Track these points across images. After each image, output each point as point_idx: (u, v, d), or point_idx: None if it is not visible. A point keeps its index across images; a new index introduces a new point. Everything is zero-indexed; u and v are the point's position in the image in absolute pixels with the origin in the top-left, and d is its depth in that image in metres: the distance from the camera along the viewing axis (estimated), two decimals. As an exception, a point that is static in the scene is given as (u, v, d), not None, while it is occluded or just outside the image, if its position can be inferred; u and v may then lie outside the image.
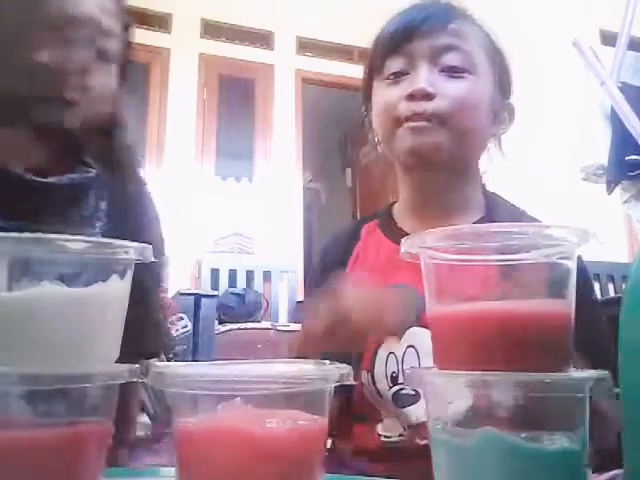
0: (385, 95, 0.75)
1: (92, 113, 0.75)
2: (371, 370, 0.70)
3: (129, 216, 0.81)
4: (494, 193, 0.83)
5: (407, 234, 0.76)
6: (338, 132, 5.10)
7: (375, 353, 0.71)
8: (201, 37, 4.31)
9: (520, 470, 0.33)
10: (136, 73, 4.14)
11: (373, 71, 0.78)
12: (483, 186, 0.82)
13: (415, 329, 0.69)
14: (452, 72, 0.71)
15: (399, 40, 0.74)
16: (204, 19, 4.32)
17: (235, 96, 4.36)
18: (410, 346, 0.69)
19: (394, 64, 0.74)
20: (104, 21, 0.73)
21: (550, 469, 0.33)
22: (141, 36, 4.15)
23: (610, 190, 1.92)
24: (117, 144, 0.83)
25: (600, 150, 1.98)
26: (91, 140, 0.79)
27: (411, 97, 0.71)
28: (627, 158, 1.87)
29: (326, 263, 0.82)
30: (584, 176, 2.12)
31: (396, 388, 0.69)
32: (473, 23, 0.77)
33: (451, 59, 0.72)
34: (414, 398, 0.68)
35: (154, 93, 4.13)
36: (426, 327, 0.67)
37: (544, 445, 0.33)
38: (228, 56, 4.31)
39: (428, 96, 0.70)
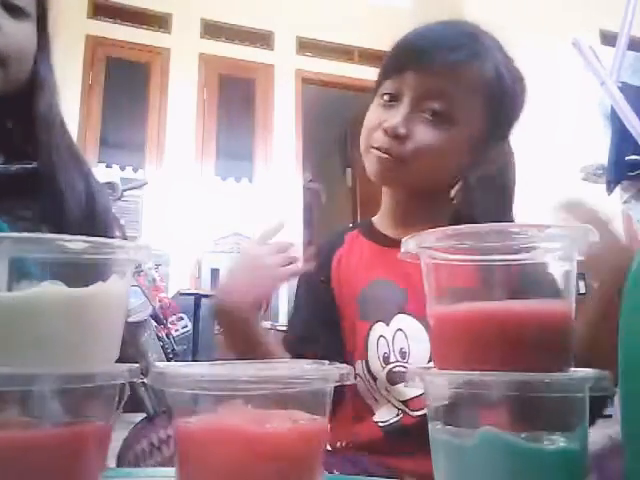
0: (371, 114, 0.77)
1: (7, 75, 0.67)
2: (365, 357, 0.73)
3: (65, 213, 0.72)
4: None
5: (388, 237, 0.79)
6: (338, 132, 5.10)
7: (366, 341, 0.73)
8: (201, 37, 4.32)
9: (520, 470, 0.33)
10: (136, 73, 4.15)
11: (378, 82, 0.78)
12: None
13: (401, 315, 0.73)
14: (433, 118, 0.71)
15: (395, 64, 0.74)
16: (204, 19, 4.33)
17: (235, 96, 4.36)
18: (399, 329, 0.73)
19: (388, 86, 0.75)
20: None
21: (550, 469, 0.33)
22: (141, 36, 4.18)
23: (610, 190, 1.92)
24: (41, 112, 0.73)
25: (600, 150, 1.98)
26: (12, 111, 0.70)
27: (385, 131, 0.72)
28: (627, 158, 1.87)
29: (308, 290, 0.84)
30: (584, 176, 2.12)
31: (389, 367, 0.71)
32: (483, 60, 0.73)
33: (435, 105, 0.71)
34: (405, 375, 0.69)
35: (154, 93, 4.13)
36: (411, 315, 0.73)
37: (544, 445, 0.33)
38: (228, 56, 4.32)
39: (398, 137, 0.71)
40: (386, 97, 0.75)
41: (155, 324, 2.43)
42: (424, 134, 0.71)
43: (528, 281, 0.38)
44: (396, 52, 0.75)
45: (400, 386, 0.71)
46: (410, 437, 0.67)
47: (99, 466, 0.32)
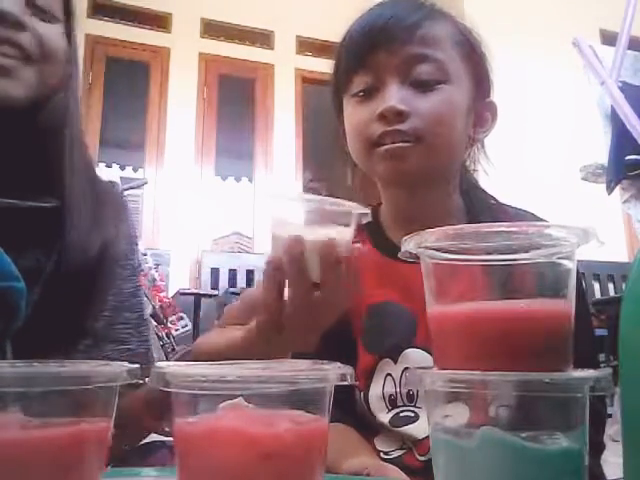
0: (355, 115, 0.70)
1: (40, 79, 0.65)
2: (365, 391, 0.68)
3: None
4: (475, 187, 0.79)
5: (395, 245, 0.72)
6: (338, 132, 5.09)
7: (371, 375, 0.68)
8: (201, 36, 4.32)
9: (520, 470, 0.33)
10: (136, 72, 4.15)
11: (340, 86, 0.73)
12: (462, 186, 0.78)
13: (410, 351, 0.67)
14: (425, 86, 0.66)
15: (363, 53, 0.68)
16: (204, 19, 4.33)
17: (235, 96, 4.36)
18: (407, 368, 0.66)
19: (361, 80, 0.69)
20: None
21: (550, 469, 0.33)
22: (141, 35, 4.18)
23: (610, 190, 1.92)
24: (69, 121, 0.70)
25: (599, 150, 1.98)
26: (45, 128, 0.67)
27: (382, 117, 0.65)
28: (627, 158, 1.87)
29: None
30: (583, 176, 2.12)
31: (395, 411, 0.67)
32: (445, 20, 0.70)
33: (422, 72, 0.66)
34: (413, 419, 0.66)
35: (154, 93, 4.13)
36: (421, 348, 0.66)
37: (544, 445, 0.33)
38: (228, 56, 4.32)
39: (401, 115, 0.65)
40: (362, 93, 0.69)
41: (155, 323, 2.44)
42: (426, 103, 0.65)
43: (528, 281, 0.38)
44: (355, 45, 0.69)
45: (404, 429, 0.66)
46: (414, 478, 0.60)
47: (99, 466, 0.32)
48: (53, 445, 0.29)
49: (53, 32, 0.67)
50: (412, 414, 0.66)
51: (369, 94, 0.68)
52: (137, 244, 0.82)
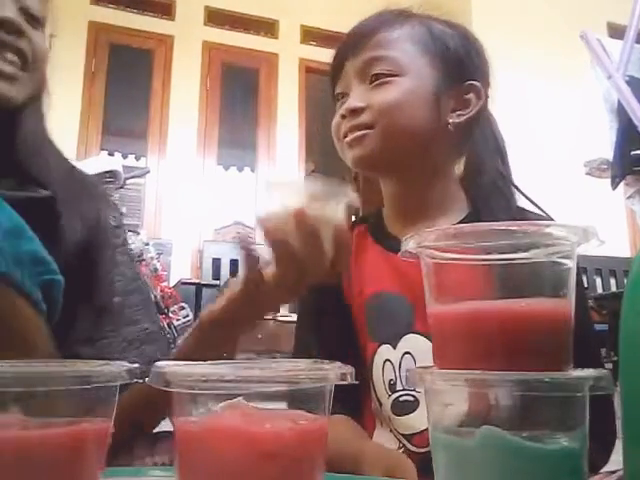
0: (335, 118, 0.79)
1: (33, 83, 0.69)
2: (370, 379, 0.70)
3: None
4: (494, 189, 0.79)
5: (395, 238, 0.76)
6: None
7: (371, 362, 0.71)
8: (205, 24, 4.29)
9: (520, 470, 0.33)
10: (139, 60, 4.13)
11: (332, 94, 0.83)
12: (476, 185, 0.80)
13: (409, 336, 0.70)
14: (379, 80, 0.74)
15: (337, 66, 0.79)
16: (208, 6, 4.30)
17: (238, 85, 4.34)
18: (406, 353, 0.69)
19: (339, 87, 0.79)
20: None
21: (550, 469, 0.33)
22: (144, 23, 4.16)
23: (615, 185, 1.91)
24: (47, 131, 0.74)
25: (604, 145, 1.97)
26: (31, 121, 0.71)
27: (344, 117, 0.75)
28: (633, 153, 1.85)
29: (315, 296, 0.79)
30: (588, 170, 2.11)
31: (395, 395, 0.68)
32: (406, 23, 0.77)
33: (377, 70, 0.74)
34: (413, 405, 0.67)
35: (157, 81, 4.12)
36: (420, 333, 0.69)
37: (544, 445, 0.33)
38: (232, 44, 4.29)
39: (357, 112, 0.74)
40: (340, 97, 0.78)
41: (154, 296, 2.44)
42: (379, 96, 0.73)
43: (528, 280, 0.38)
44: (334, 59, 0.80)
45: (404, 418, 0.67)
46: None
47: (99, 466, 0.32)
48: (53, 445, 0.29)
49: (41, 38, 0.71)
50: (412, 398, 0.67)
51: (342, 102, 0.78)
52: (125, 231, 0.85)
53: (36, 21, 0.70)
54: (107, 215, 0.76)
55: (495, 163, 0.80)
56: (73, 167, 0.78)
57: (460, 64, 0.77)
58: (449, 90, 0.75)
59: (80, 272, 0.66)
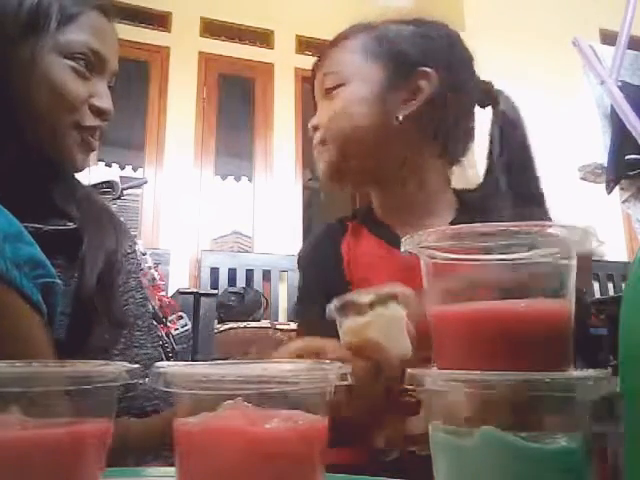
0: None
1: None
2: None
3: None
4: (469, 190, 0.83)
5: (390, 230, 0.78)
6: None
7: None
8: (201, 36, 4.31)
9: (520, 470, 0.33)
10: (136, 71, 4.14)
11: None
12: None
13: None
14: (329, 94, 0.79)
15: (311, 82, 0.85)
16: (204, 18, 4.32)
17: (235, 95, 4.36)
18: None
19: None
20: (116, 66, 0.80)
21: (550, 469, 0.33)
22: (141, 34, 4.17)
23: (610, 189, 1.92)
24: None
25: (598, 149, 1.98)
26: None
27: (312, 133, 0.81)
28: (627, 157, 1.87)
29: (318, 271, 0.82)
30: (582, 175, 2.12)
31: None
32: (361, 35, 0.81)
33: (326, 84, 0.79)
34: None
35: (154, 92, 4.13)
36: None
37: (544, 445, 0.33)
38: (228, 55, 4.31)
39: (315, 129, 0.80)
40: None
41: (155, 323, 2.43)
42: (327, 108, 0.79)
43: (528, 281, 0.38)
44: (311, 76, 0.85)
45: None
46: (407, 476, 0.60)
47: (99, 466, 0.32)
48: (53, 445, 0.29)
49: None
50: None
51: None
52: (138, 259, 0.89)
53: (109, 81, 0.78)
54: (124, 243, 0.80)
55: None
56: (91, 196, 0.84)
57: (409, 58, 0.78)
58: (398, 84, 0.77)
59: (97, 293, 0.70)
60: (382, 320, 0.52)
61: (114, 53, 0.80)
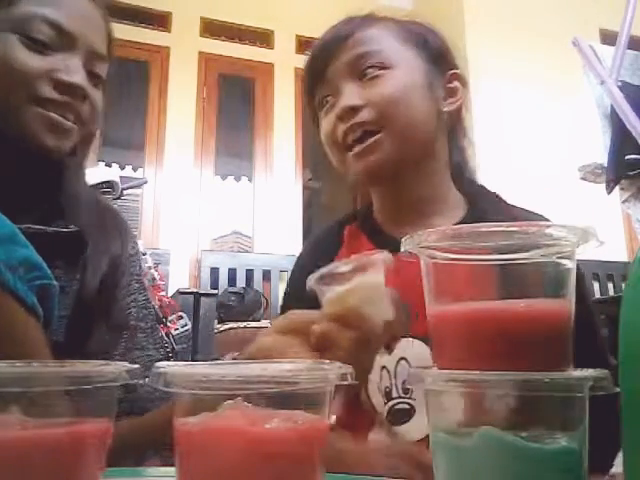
0: (324, 126, 0.76)
1: (81, 135, 0.74)
2: (366, 386, 0.69)
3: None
4: (480, 186, 0.81)
5: (391, 238, 0.74)
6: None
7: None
8: (201, 36, 4.31)
9: (520, 470, 0.33)
10: (136, 71, 4.14)
11: (309, 104, 0.81)
12: (466, 182, 0.80)
13: (405, 341, 0.68)
14: (371, 75, 0.72)
15: (316, 73, 0.76)
16: (204, 18, 4.32)
17: (235, 95, 4.36)
18: (402, 358, 0.67)
19: (321, 94, 0.76)
20: (97, 46, 0.74)
21: (550, 469, 0.33)
22: (141, 35, 4.17)
23: (610, 189, 1.92)
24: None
25: (598, 149, 1.98)
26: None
27: (341, 118, 0.72)
28: (627, 157, 1.87)
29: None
30: (582, 175, 2.12)
31: (391, 403, 0.67)
32: (381, 22, 0.77)
33: (366, 64, 0.72)
34: (409, 412, 0.66)
35: (154, 92, 4.13)
36: (415, 337, 0.66)
37: (544, 445, 0.33)
38: (228, 55, 4.31)
39: (354, 110, 0.71)
40: (325, 102, 0.75)
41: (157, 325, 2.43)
42: (375, 90, 0.71)
43: (528, 281, 0.38)
44: (309, 66, 0.78)
45: (402, 427, 0.66)
46: None
47: (99, 466, 0.32)
48: (53, 445, 0.29)
49: (99, 96, 0.75)
50: (407, 406, 0.66)
51: (331, 104, 0.75)
52: (140, 260, 0.89)
53: (98, 79, 0.74)
54: (128, 245, 0.79)
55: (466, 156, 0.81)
56: (97, 198, 0.83)
57: (440, 55, 0.78)
58: (437, 80, 0.75)
59: (99, 296, 0.70)
60: (362, 287, 0.50)
61: (91, 28, 0.73)
